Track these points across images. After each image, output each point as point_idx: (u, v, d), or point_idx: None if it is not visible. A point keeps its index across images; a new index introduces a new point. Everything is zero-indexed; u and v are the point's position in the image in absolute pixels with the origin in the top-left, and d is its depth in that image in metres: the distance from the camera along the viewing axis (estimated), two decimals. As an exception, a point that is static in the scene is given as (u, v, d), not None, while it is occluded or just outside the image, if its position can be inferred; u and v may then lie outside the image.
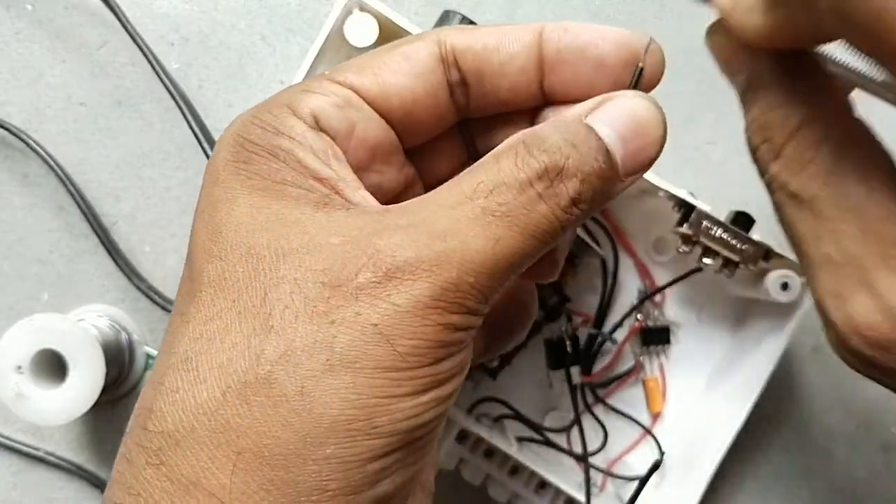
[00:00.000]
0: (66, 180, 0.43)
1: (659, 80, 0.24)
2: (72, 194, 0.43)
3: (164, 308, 0.42)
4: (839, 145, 0.21)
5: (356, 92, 0.24)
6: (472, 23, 0.39)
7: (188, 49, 0.44)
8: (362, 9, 0.38)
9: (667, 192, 0.38)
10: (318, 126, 0.23)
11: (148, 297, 0.43)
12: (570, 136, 0.21)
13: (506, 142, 0.22)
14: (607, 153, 0.22)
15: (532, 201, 0.20)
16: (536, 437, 0.42)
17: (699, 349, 0.43)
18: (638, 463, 0.42)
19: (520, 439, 0.42)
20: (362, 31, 0.37)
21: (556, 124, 0.22)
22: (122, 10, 0.41)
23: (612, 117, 0.22)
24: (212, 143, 0.39)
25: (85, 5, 0.44)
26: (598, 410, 0.43)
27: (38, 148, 0.43)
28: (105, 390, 0.40)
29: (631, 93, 0.23)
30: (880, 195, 0.20)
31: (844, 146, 0.21)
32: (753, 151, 0.22)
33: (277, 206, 0.21)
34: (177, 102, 0.39)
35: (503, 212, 0.20)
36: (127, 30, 0.41)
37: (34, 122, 0.44)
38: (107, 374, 0.39)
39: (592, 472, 0.42)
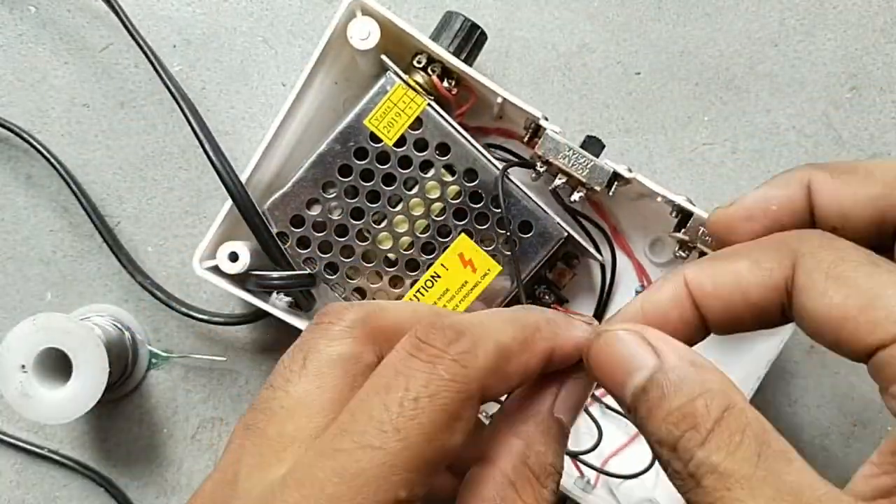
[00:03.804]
0: (69, 181, 0.43)
1: None
2: (75, 195, 0.43)
3: (167, 307, 0.43)
4: (759, 431, 0.22)
5: None
6: (474, 25, 0.40)
7: (190, 51, 0.45)
8: (364, 11, 0.38)
9: (665, 197, 0.38)
10: None
11: (152, 295, 0.43)
12: (554, 445, 0.25)
13: (514, 474, 0.24)
14: (567, 436, 0.26)
15: None
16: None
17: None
18: (632, 461, 0.43)
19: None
20: (364, 33, 0.38)
21: (545, 435, 0.25)
22: (125, 13, 0.41)
23: (572, 404, 0.26)
24: (214, 144, 0.39)
25: (88, 8, 0.45)
26: (594, 409, 0.43)
27: (41, 149, 0.43)
28: (109, 389, 0.41)
29: (583, 374, 0.26)
30: (808, 476, 0.21)
31: (764, 432, 0.22)
32: (673, 442, 0.22)
33: None
34: (179, 104, 0.39)
35: None
36: (130, 32, 0.41)
37: (38, 124, 0.45)
38: (110, 373, 0.40)
39: (586, 470, 0.42)
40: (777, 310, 0.25)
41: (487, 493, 0.24)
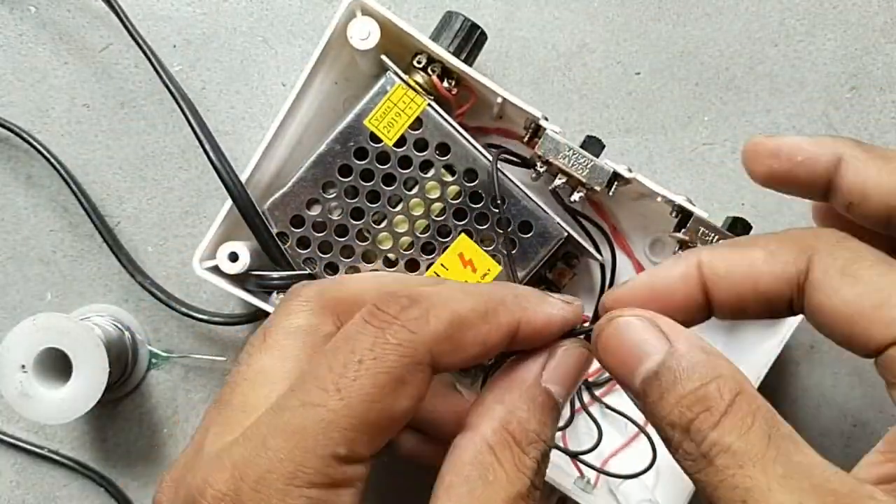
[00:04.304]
0: (69, 181, 0.43)
1: None
2: (75, 195, 0.43)
3: (167, 307, 0.43)
4: (769, 415, 0.22)
5: None
6: (474, 25, 0.40)
7: (190, 51, 0.45)
8: (364, 11, 0.38)
9: (665, 197, 0.38)
10: None
11: (152, 295, 0.43)
12: (539, 414, 0.25)
13: (494, 437, 0.24)
14: (558, 408, 0.26)
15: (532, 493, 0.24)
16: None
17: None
18: (632, 461, 0.43)
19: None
20: (364, 33, 0.38)
21: (529, 403, 0.25)
22: (125, 13, 0.41)
23: (562, 375, 0.26)
24: (214, 144, 0.39)
25: (88, 8, 0.45)
26: (594, 409, 0.43)
27: (42, 149, 0.43)
28: (108, 388, 0.41)
29: (574, 345, 0.27)
30: (816, 458, 0.22)
31: (773, 416, 0.23)
32: (686, 424, 0.23)
33: None
34: (179, 104, 0.39)
35: None
36: (130, 32, 0.41)
37: (38, 124, 0.45)
38: (110, 373, 0.40)
39: (586, 470, 0.42)
40: (785, 302, 0.25)
41: (466, 458, 0.24)
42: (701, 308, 0.26)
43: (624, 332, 0.25)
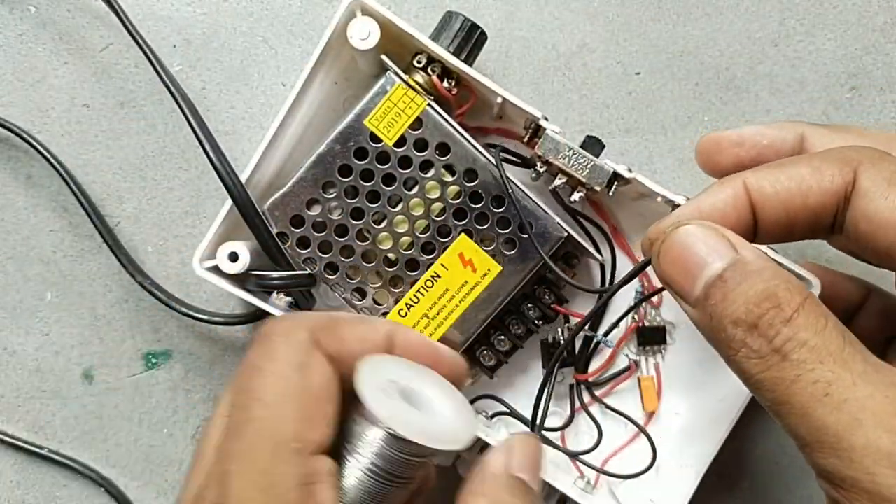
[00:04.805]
0: (69, 181, 0.43)
1: None
2: (75, 195, 0.43)
3: (167, 307, 0.43)
4: (837, 321, 0.23)
5: None
6: (474, 25, 0.40)
7: (190, 51, 0.45)
8: (364, 11, 0.38)
9: (665, 197, 0.38)
10: None
11: (152, 295, 0.43)
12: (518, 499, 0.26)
13: None
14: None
15: None
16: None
17: (695, 349, 0.44)
18: (632, 461, 0.43)
19: (518, 438, 0.42)
20: (364, 33, 0.38)
21: (501, 487, 0.26)
22: (125, 13, 0.41)
23: (525, 464, 0.27)
24: (214, 144, 0.39)
25: (88, 8, 0.45)
26: (594, 409, 0.43)
27: (41, 149, 0.43)
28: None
29: (529, 436, 0.28)
30: (883, 362, 0.22)
31: (840, 323, 0.23)
32: (754, 320, 0.23)
33: None
34: (179, 104, 0.39)
35: None
36: (130, 32, 0.41)
37: (38, 124, 0.45)
38: None
39: (586, 470, 0.42)
40: (831, 217, 0.26)
41: None
42: (749, 231, 0.26)
43: (689, 238, 0.25)
